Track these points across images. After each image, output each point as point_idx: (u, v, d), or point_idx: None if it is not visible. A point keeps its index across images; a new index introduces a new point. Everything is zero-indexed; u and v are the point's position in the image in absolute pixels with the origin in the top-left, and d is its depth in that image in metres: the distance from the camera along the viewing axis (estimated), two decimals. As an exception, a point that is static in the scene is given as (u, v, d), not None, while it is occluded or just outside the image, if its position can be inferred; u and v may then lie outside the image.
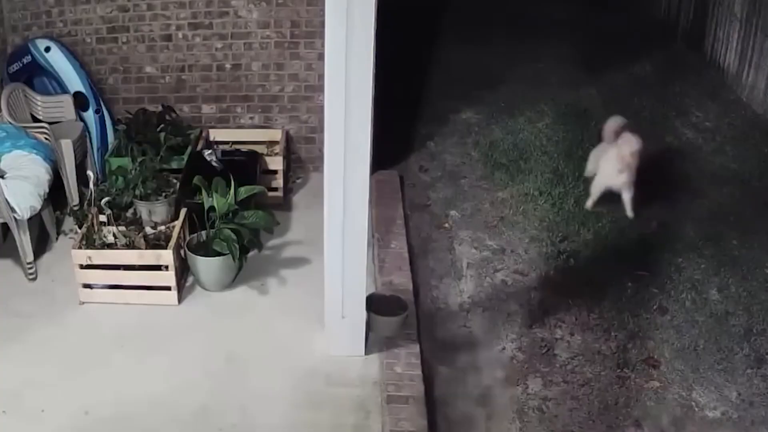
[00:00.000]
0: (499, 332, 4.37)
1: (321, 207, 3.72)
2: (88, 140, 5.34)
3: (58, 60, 5.28)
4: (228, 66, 5.62)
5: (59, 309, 4.28)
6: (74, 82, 5.32)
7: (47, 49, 5.26)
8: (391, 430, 3.49)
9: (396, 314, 4.09)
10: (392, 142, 5.83)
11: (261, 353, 3.99)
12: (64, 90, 5.34)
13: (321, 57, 3.81)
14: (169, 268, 4.27)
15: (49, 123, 5.11)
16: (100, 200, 4.53)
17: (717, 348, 4.25)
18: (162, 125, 5.24)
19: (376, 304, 4.06)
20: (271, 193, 5.22)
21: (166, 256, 4.27)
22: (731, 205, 5.56)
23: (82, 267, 4.28)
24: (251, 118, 5.76)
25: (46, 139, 4.90)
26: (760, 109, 6.81)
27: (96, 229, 4.44)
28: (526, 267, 4.91)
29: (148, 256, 4.31)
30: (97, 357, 3.95)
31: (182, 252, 4.48)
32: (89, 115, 5.39)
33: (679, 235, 5.21)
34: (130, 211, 4.65)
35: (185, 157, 5.09)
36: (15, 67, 5.31)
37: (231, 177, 4.48)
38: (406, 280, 4.56)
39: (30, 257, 4.49)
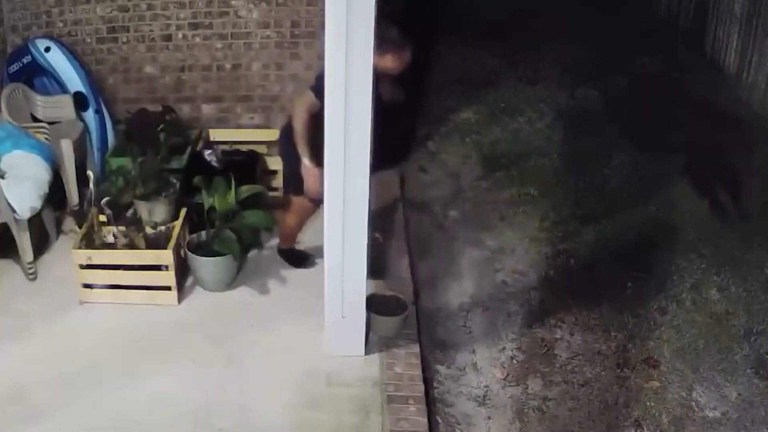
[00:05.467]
0: (499, 332, 4.37)
1: (321, 207, 3.72)
2: (88, 140, 5.34)
3: (58, 60, 5.28)
4: (228, 66, 5.62)
5: (59, 309, 4.28)
6: (74, 82, 5.31)
7: (47, 49, 5.25)
8: (391, 430, 3.50)
9: (396, 314, 4.09)
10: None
11: (261, 353, 3.99)
12: (64, 90, 5.34)
13: (321, 57, 3.81)
14: (169, 268, 4.27)
15: (49, 123, 5.11)
16: (100, 200, 4.52)
17: (717, 348, 4.26)
18: (162, 125, 5.24)
19: (376, 304, 4.06)
20: (271, 193, 5.21)
21: (166, 256, 4.27)
22: (731, 205, 5.56)
23: (82, 267, 4.28)
24: (251, 118, 5.76)
25: (46, 139, 4.90)
26: (760, 109, 6.81)
27: (96, 229, 4.45)
28: (526, 267, 4.91)
29: (148, 256, 4.31)
30: (97, 357, 3.94)
31: (182, 252, 4.48)
32: (89, 115, 5.38)
33: (679, 235, 5.21)
34: (130, 211, 4.64)
35: (185, 157, 5.09)
36: (15, 67, 5.30)
37: (231, 177, 4.49)
38: (406, 280, 4.56)
39: (30, 257, 4.49)
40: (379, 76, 3.81)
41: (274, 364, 3.92)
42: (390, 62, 3.95)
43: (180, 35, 5.53)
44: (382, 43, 3.90)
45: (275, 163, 5.34)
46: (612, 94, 7.20)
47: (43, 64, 5.27)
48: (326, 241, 3.75)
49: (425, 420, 3.56)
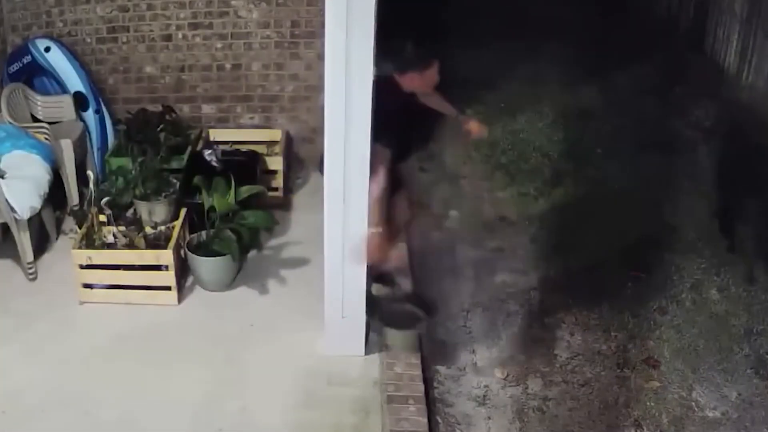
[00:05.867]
0: (499, 332, 4.37)
1: (321, 207, 3.72)
2: (88, 140, 5.34)
3: (58, 60, 5.28)
4: (228, 66, 5.62)
5: (59, 309, 4.28)
6: (74, 82, 5.32)
7: (47, 49, 5.25)
8: (391, 430, 3.49)
9: (413, 326, 4.06)
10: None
11: (261, 353, 3.99)
12: (64, 90, 5.34)
13: (321, 57, 3.81)
14: (169, 268, 4.27)
15: (49, 123, 5.11)
16: (100, 200, 4.52)
17: (717, 348, 4.25)
18: (162, 125, 5.24)
19: (389, 315, 4.03)
20: (271, 193, 5.22)
21: (166, 256, 4.27)
22: (731, 205, 5.56)
23: (82, 267, 4.28)
24: (251, 118, 5.76)
25: (46, 139, 4.90)
26: (760, 109, 6.81)
27: (96, 229, 4.44)
28: (526, 267, 4.91)
29: (148, 256, 4.31)
30: (97, 357, 3.95)
31: (182, 252, 4.48)
32: (89, 115, 5.39)
33: (679, 235, 5.21)
34: (130, 211, 4.64)
35: (185, 157, 5.09)
36: (15, 67, 5.30)
37: (231, 177, 4.49)
38: (407, 280, 4.55)
39: (30, 257, 4.49)
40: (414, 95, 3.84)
41: (274, 364, 3.92)
42: (418, 81, 3.98)
43: (180, 35, 5.53)
44: (408, 64, 3.93)
45: (275, 163, 5.34)
46: (612, 94, 7.19)
47: (43, 64, 5.27)
48: (326, 241, 3.75)
49: (425, 420, 3.56)
